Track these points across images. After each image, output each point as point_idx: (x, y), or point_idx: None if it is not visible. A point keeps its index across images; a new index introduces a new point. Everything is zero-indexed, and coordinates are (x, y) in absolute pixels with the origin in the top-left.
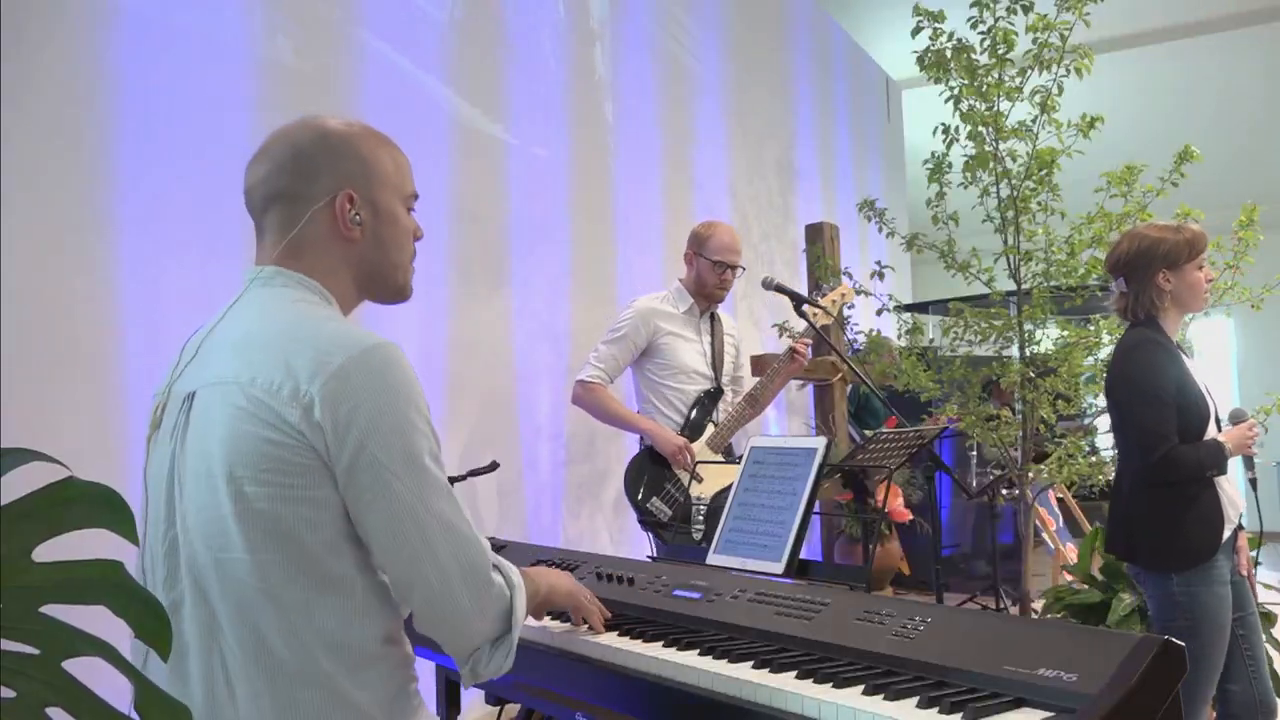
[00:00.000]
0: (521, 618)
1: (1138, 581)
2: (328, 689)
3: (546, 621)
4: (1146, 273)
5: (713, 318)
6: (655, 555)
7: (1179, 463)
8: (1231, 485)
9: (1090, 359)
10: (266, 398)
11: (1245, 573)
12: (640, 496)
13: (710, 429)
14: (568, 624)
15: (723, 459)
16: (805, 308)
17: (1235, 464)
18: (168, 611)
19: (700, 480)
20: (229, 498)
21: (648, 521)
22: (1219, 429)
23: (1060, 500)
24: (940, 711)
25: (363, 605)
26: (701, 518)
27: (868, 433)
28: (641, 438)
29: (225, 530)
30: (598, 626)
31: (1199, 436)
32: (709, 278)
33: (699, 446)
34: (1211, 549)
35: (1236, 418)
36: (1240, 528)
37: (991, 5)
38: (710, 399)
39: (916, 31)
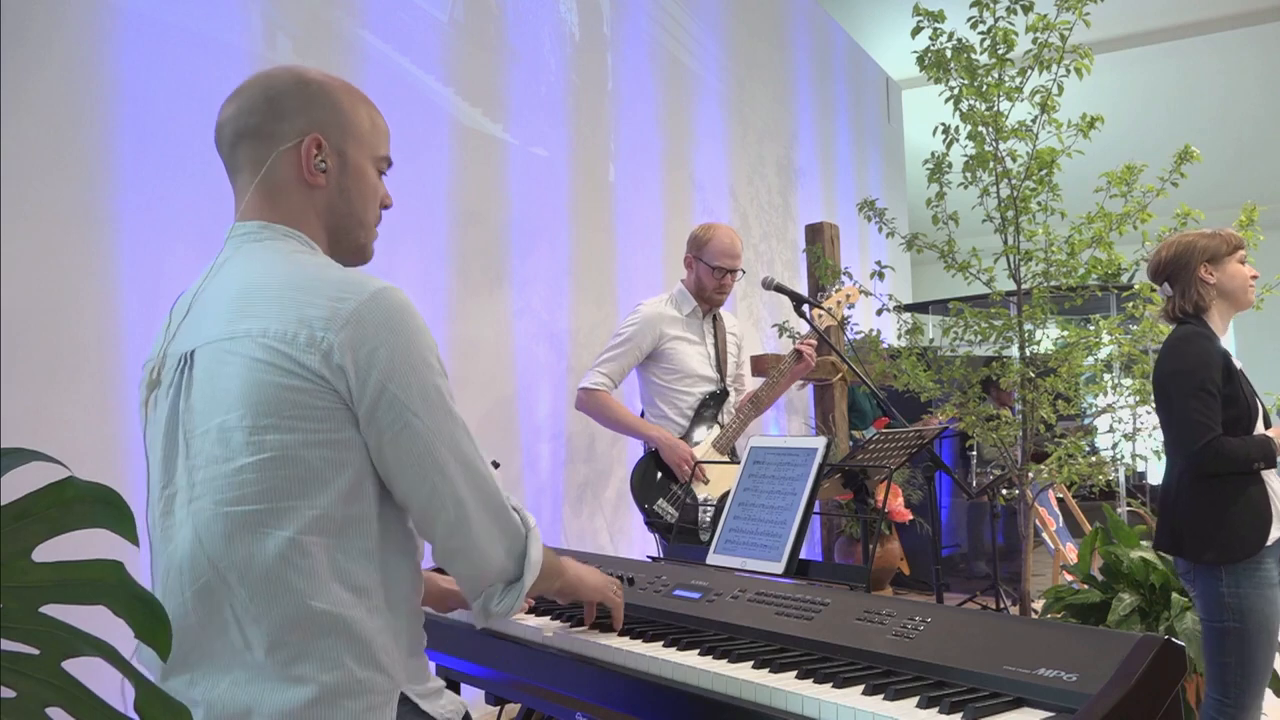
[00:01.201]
0: (536, 560)
1: (1185, 581)
2: (346, 636)
3: (545, 621)
4: (1187, 269)
5: (714, 318)
6: (661, 556)
7: (1223, 453)
8: None
9: (1090, 359)
10: (282, 346)
11: None
12: (647, 499)
13: (716, 430)
14: (567, 623)
15: (728, 460)
16: (808, 308)
17: None
18: (163, 573)
19: (706, 482)
20: (249, 449)
21: (654, 524)
22: (1267, 429)
23: (1060, 500)
24: (940, 711)
25: (381, 546)
26: (708, 519)
27: (855, 433)
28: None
29: (241, 483)
30: (617, 625)
31: (1246, 432)
32: (708, 282)
33: (704, 448)
34: (1258, 543)
35: None
36: None
37: (991, 5)
38: (715, 401)
39: (916, 31)
